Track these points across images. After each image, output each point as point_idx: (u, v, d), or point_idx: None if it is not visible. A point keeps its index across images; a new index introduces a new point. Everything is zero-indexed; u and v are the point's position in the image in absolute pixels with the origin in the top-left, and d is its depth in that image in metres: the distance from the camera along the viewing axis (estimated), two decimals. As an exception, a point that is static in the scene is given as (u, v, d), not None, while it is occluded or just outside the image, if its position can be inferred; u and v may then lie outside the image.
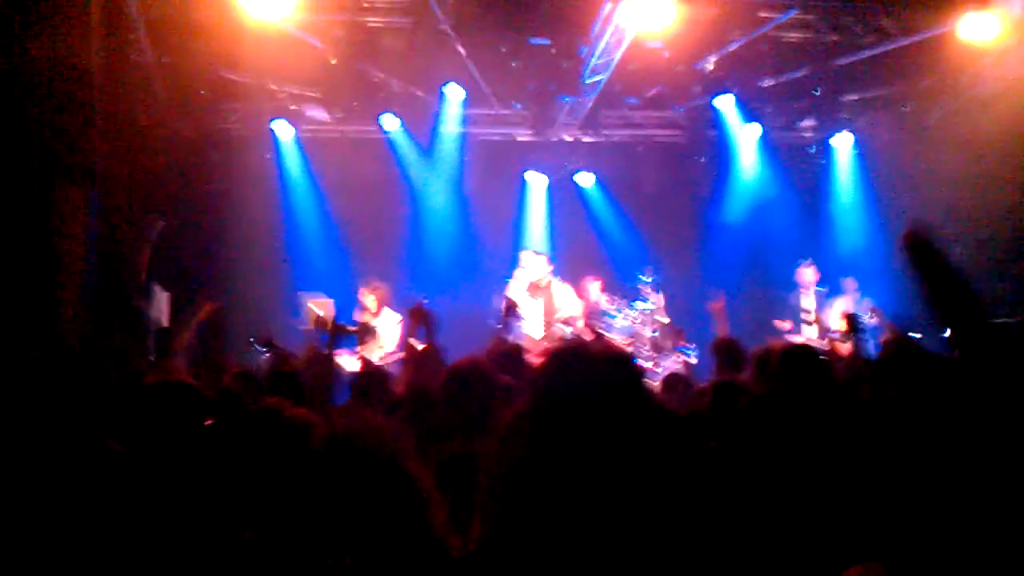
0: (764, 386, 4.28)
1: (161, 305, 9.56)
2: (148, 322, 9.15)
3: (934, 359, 5.05)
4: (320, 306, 9.28)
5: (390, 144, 12.28)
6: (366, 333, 9.12)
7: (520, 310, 9.44)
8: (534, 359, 6.30)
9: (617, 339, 10.11)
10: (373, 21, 10.25)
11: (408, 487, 1.35)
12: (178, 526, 2.65)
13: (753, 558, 2.64)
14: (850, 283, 11.24)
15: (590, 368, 2.17)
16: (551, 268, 10.38)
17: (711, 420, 3.83)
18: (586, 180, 13.11)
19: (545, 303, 10.08)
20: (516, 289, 9.97)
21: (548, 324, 10.02)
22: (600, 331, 10.20)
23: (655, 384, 7.66)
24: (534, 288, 10.10)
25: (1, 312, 6.77)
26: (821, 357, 3.95)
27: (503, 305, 7.77)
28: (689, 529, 2.57)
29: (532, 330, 9.86)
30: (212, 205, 11.50)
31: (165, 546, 2.59)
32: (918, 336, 9.47)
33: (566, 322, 10.27)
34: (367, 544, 1.32)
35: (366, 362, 8.65)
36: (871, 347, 10.02)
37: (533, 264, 10.25)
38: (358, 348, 9.55)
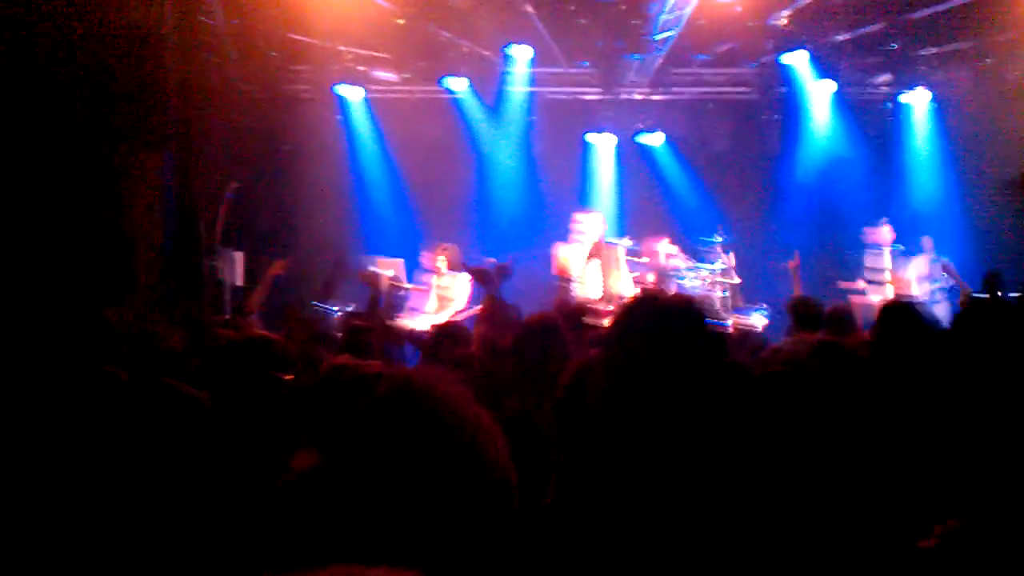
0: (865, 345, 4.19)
1: (236, 265, 9.73)
2: (224, 282, 9.33)
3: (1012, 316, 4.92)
4: (390, 267, 9.36)
5: (457, 105, 12.28)
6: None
7: (572, 271, 9.40)
8: (593, 319, 6.26)
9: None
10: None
11: (475, 433, 1.35)
12: (257, 477, 2.71)
13: (823, 515, 2.62)
14: (927, 242, 11.00)
15: (664, 318, 2.15)
16: (605, 227, 10.24)
17: (791, 378, 3.78)
18: (655, 139, 12.95)
19: (603, 264, 9.98)
20: (570, 250, 9.86)
21: (606, 285, 9.93)
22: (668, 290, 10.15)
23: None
24: (594, 249, 9.99)
25: (80, 274, 6.94)
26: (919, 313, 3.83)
27: (555, 268, 7.70)
28: (760, 486, 2.56)
29: (590, 291, 9.80)
30: (283, 166, 11.66)
31: (243, 498, 2.65)
32: (993, 295, 9.27)
33: (636, 282, 10.23)
34: (434, 495, 1.32)
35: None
36: (949, 306, 9.85)
37: (587, 224, 10.12)
38: (427, 309, 9.63)
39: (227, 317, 7.95)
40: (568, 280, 9.25)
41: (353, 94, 12.18)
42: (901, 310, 3.79)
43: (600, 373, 2.18)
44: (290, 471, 2.26)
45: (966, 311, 4.47)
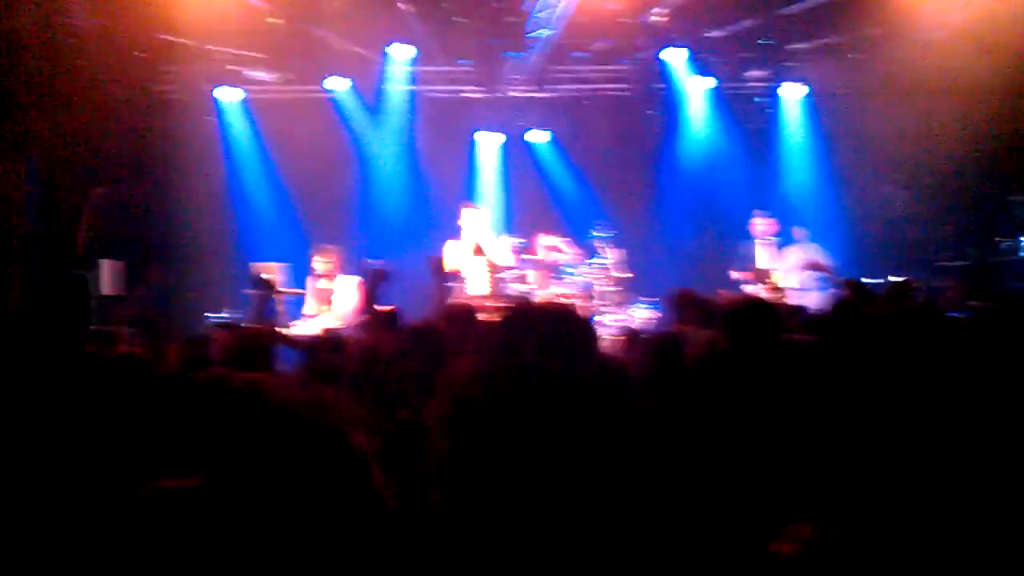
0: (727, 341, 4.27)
1: (105, 274, 9.39)
2: (91, 291, 8.99)
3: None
4: (268, 271, 9.16)
5: (338, 105, 12.10)
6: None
7: (456, 267, 9.42)
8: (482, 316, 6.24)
9: (575, 294, 10.11)
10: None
11: (351, 457, 1.31)
12: (128, 493, 2.59)
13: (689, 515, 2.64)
14: (800, 232, 11.31)
15: (542, 327, 2.13)
16: (489, 221, 10.30)
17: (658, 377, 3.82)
18: (539, 137, 13.01)
19: (488, 258, 10.02)
20: (455, 246, 9.88)
21: (493, 281, 9.96)
22: (556, 287, 10.22)
23: (612, 338, 7.67)
24: (476, 244, 10.02)
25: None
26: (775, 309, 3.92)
27: (432, 264, 7.65)
28: (637, 486, 2.56)
29: (476, 287, 9.81)
30: (156, 171, 11.28)
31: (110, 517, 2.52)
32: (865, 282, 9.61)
33: (517, 279, 10.26)
34: (313, 514, 1.28)
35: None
36: (822, 295, 10.14)
37: (472, 218, 10.17)
38: (308, 312, 9.47)
39: (94, 329, 7.67)
40: (452, 278, 9.24)
41: (231, 96, 11.89)
42: (749, 310, 3.87)
43: (483, 382, 2.15)
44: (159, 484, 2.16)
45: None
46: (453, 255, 9.64)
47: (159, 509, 1.56)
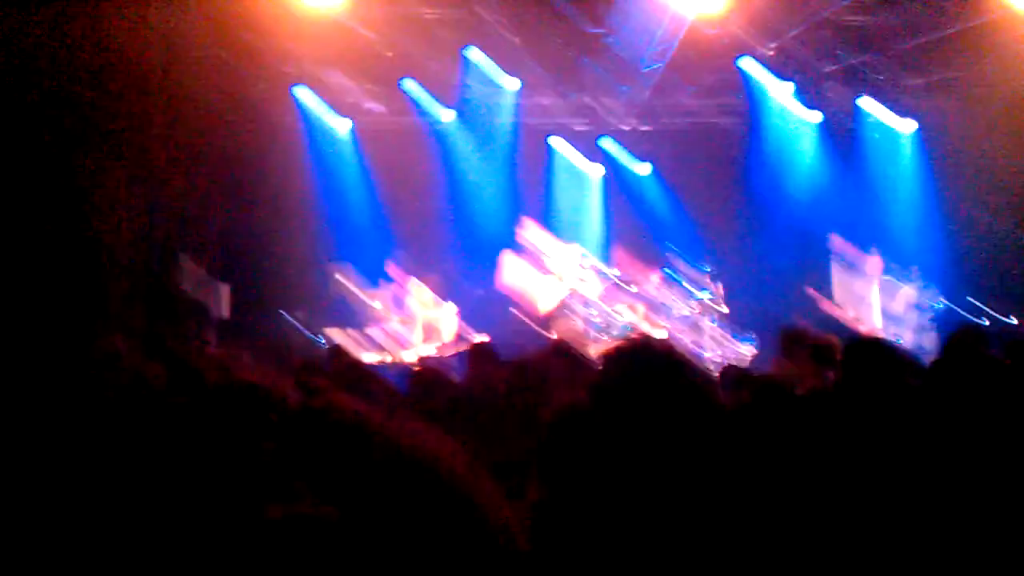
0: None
1: (222, 297, 9.65)
2: (210, 313, 9.25)
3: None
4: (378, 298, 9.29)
5: (441, 135, 12.24)
6: None
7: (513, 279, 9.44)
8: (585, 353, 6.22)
9: (675, 329, 10.05)
10: (429, 13, 10.12)
11: (467, 501, 1.33)
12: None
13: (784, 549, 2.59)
14: (914, 271, 11.06)
15: (650, 368, 2.14)
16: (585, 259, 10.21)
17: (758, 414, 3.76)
18: (643, 169, 12.99)
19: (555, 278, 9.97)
20: (514, 260, 9.87)
21: (559, 303, 9.94)
22: (659, 323, 10.15)
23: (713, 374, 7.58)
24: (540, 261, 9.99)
25: (52, 302, 6.80)
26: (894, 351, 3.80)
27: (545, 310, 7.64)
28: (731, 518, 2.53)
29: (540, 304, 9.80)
30: (268, 196, 11.47)
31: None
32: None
33: (620, 311, 10.26)
34: (429, 555, 1.30)
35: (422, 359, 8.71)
36: (933, 335, 9.87)
37: (535, 234, 10.09)
38: (414, 340, 9.61)
39: (214, 351, 7.88)
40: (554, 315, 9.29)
41: (340, 125, 12.10)
42: (868, 348, 3.78)
43: (585, 419, 2.17)
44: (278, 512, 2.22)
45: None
46: (512, 268, 9.63)
47: (289, 533, 1.61)
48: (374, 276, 9.98)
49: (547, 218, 12.52)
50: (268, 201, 11.25)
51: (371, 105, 11.88)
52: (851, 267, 10.93)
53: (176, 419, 3.48)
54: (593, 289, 10.76)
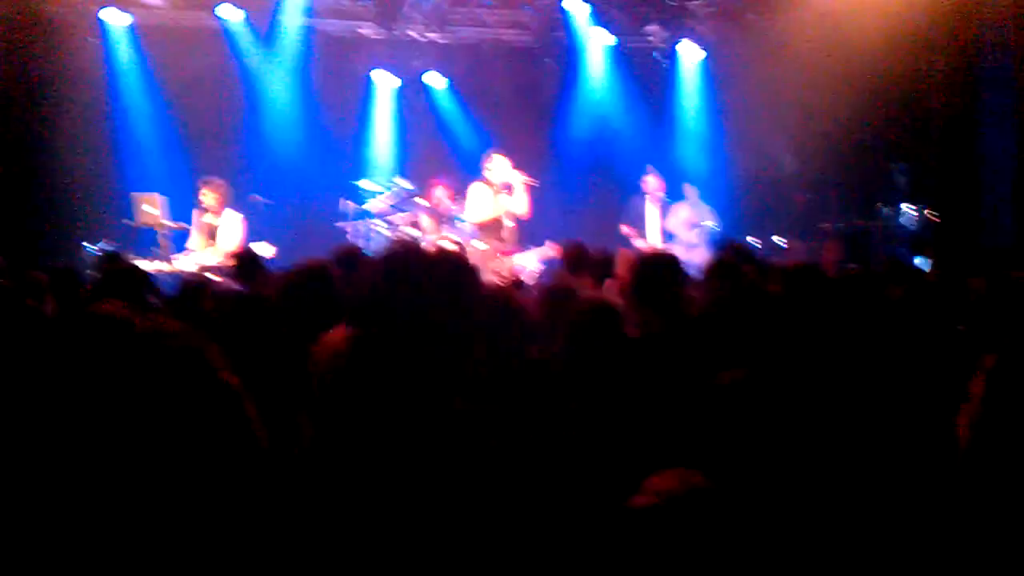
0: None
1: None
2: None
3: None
4: (149, 203, 8.88)
5: (228, 34, 11.68)
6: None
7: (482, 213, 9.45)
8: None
9: (465, 242, 10.08)
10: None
11: (218, 385, 1.26)
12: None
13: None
14: (690, 190, 11.52)
15: (420, 270, 2.11)
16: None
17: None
18: (436, 81, 12.84)
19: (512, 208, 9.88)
20: (482, 191, 9.79)
21: (514, 231, 9.91)
22: (450, 236, 10.15)
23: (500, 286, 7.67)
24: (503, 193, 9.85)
25: None
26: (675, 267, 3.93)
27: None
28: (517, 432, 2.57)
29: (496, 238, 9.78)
30: (34, 94, 10.72)
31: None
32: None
33: (408, 224, 10.22)
34: (184, 445, 1.23)
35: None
36: (707, 251, 10.35)
37: (501, 166, 9.87)
38: (193, 247, 9.24)
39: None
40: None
41: (118, 19, 11.32)
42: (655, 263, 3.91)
43: (351, 326, 2.12)
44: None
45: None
46: (479, 201, 9.60)
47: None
48: (185, 205, 9.47)
49: (341, 126, 12.28)
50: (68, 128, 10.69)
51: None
52: (639, 188, 11.28)
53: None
54: (383, 201, 10.64)
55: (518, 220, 9.87)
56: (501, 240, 9.68)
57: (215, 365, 1.37)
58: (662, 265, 3.76)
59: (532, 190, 9.83)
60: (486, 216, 9.74)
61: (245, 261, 5.95)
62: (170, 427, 1.27)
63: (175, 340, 1.35)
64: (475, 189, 9.82)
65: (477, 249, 9.69)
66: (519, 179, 9.74)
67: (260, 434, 1.39)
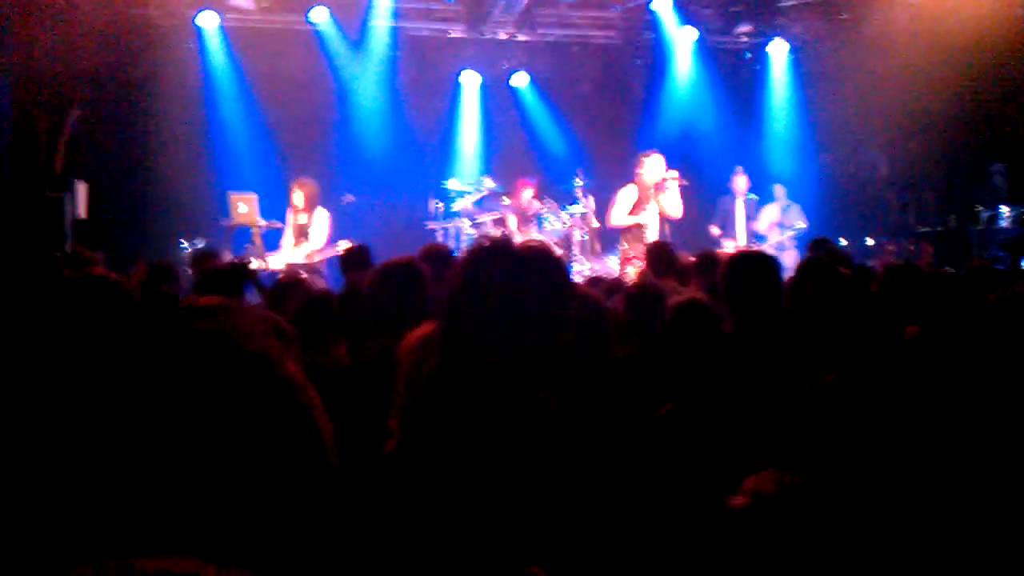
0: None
1: (79, 197, 9.24)
2: (66, 214, 8.85)
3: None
4: (244, 202, 9.06)
5: (319, 37, 11.89)
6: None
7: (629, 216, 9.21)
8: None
9: (551, 242, 10.08)
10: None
11: (277, 385, 1.23)
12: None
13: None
14: (779, 190, 11.35)
15: (511, 266, 2.09)
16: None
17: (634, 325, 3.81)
18: (521, 80, 12.87)
19: (663, 208, 9.43)
20: (631, 195, 9.38)
21: (665, 231, 9.43)
22: (530, 235, 10.14)
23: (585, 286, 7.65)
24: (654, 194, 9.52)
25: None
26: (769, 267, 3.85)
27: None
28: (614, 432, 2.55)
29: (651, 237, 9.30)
30: (133, 96, 11.05)
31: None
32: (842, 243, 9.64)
33: (495, 224, 10.24)
34: (233, 452, 1.20)
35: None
36: (797, 253, 10.18)
37: (654, 167, 9.41)
38: (284, 245, 9.41)
39: (69, 252, 7.56)
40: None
41: (210, 21, 11.60)
42: (748, 261, 3.83)
43: (441, 324, 2.10)
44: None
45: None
46: (627, 204, 9.27)
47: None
48: (280, 204, 9.67)
49: (428, 126, 12.39)
50: (165, 128, 10.99)
51: (239, 2, 11.41)
52: (728, 188, 11.15)
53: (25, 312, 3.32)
54: (470, 201, 10.70)
55: (668, 221, 9.38)
56: (644, 244, 8.75)
57: (273, 355, 1.31)
58: (756, 263, 3.69)
59: (617, 187, 9.65)
60: (631, 220, 9.26)
61: (355, 254, 6.00)
62: (218, 413, 1.22)
63: (232, 330, 1.30)
64: (625, 192, 9.38)
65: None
66: (673, 179, 9.38)
67: (324, 427, 1.34)
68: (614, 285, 6.38)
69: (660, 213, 9.28)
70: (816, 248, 7.22)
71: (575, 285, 3.56)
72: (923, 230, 10.72)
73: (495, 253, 2.08)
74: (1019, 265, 9.21)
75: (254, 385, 1.19)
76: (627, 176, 9.67)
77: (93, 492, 1.17)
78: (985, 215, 10.60)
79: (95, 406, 1.29)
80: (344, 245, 7.39)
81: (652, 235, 9.09)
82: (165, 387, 1.21)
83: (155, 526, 1.13)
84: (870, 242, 11.22)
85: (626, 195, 9.34)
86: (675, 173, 9.34)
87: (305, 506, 1.19)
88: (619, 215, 9.35)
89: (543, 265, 2.18)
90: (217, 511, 1.14)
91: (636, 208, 9.27)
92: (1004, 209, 10.54)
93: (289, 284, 4.98)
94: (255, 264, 8.46)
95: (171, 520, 1.12)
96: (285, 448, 1.18)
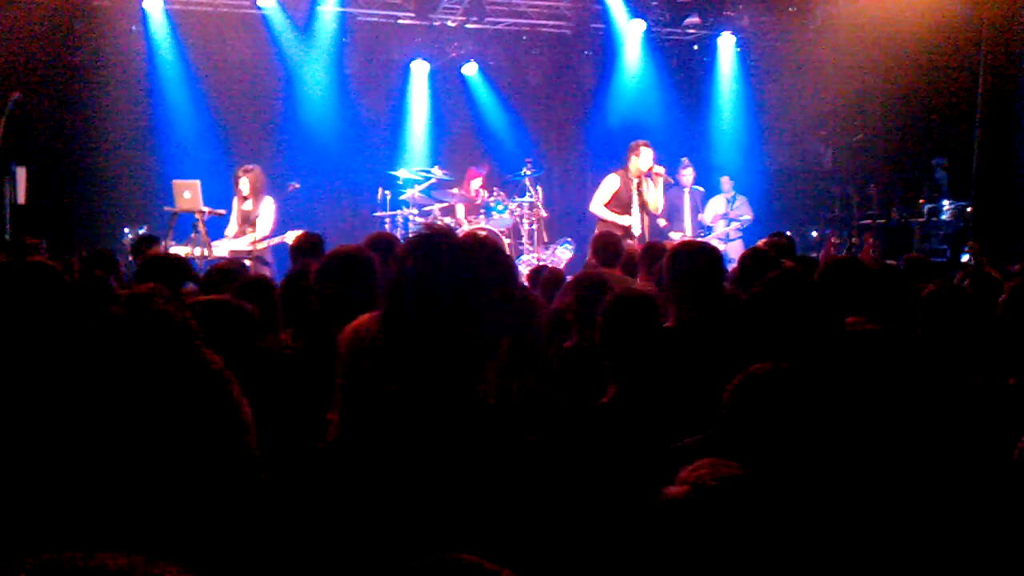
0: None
1: (19, 182, 9.03)
2: (5, 199, 8.65)
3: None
4: (188, 189, 8.92)
5: (265, 22, 11.72)
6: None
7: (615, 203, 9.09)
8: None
9: (499, 231, 10.07)
10: None
11: (197, 371, 1.22)
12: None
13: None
14: (726, 182, 11.45)
15: (454, 255, 2.07)
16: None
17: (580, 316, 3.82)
18: (470, 69, 12.83)
19: (647, 199, 9.33)
20: (618, 181, 9.21)
21: (648, 223, 9.42)
22: (478, 224, 10.14)
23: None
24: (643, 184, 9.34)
25: None
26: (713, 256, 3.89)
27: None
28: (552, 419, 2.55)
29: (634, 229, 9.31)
30: (76, 80, 10.84)
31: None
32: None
33: (444, 213, 10.20)
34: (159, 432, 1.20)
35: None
36: (742, 244, 10.28)
37: (647, 157, 9.23)
38: (228, 233, 9.29)
39: (8, 239, 7.40)
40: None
41: (155, 5, 11.39)
42: (690, 252, 3.87)
43: (381, 313, 2.08)
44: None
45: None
46: (610, 192, 9.10)
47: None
48: (225, 192, 9.52)
49: (376, 113, 12.30)
50: (109, 113, 10.80)
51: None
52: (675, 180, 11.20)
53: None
54: (419, 190, 10.67)
55: (649, 214, 9.28)
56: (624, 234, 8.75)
57: (194, 345, 1.31)
58: (699, 255, 3.73)
59: (567, 178, 9.71)
60: (614, 218, 9.09)
61: (307, 241, 5.91)
62: (140, 403, 1.21)
63: (151, 318, 1.29)
64: (609, 180, 9.24)
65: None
66: (659, 174, 9.24)
67: (245, 416, 1.33)
68: (557, 275, 6.38)
69: (642, 204, 9.17)
70: (763, 240, 7.29)
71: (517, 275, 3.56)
72: (866, 222, 10.88)
73: (437, 241, 2.05)
74: (959, 258, 9.38)
75: (173, 370, 1.18)
76: (571, 169, 9.72)
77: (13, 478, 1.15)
78: (927, 208, 10.79)
79: (17, 390, 1.27)
80: (293, 235, 7.31)
81: (636, 232, 9.02)
82: (88, 371, 1.19)
83: (78, 512, 1.11)
84: (814, 234, 11.37)
85: (609, 183, 9.21)
86: (662, 169, 9.26)
87: (223, 495, 1.17)
88: (598, 205, 9.22)
89: (487, 254, 2.16)
90: (134, 497, 1.13)
91: (616, 197, 9.14)
92: (945, 203, 10.74)
93: (224, 271, 4.90)
94: (198, 252, 8.36)
95: (93, 504, 1.11)
96: (202, 435, 1.17)
